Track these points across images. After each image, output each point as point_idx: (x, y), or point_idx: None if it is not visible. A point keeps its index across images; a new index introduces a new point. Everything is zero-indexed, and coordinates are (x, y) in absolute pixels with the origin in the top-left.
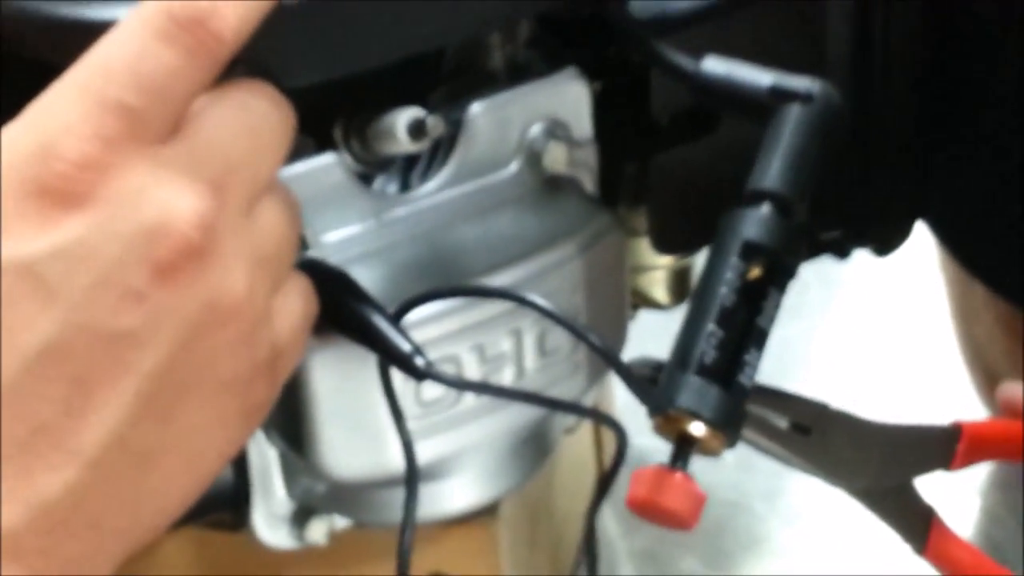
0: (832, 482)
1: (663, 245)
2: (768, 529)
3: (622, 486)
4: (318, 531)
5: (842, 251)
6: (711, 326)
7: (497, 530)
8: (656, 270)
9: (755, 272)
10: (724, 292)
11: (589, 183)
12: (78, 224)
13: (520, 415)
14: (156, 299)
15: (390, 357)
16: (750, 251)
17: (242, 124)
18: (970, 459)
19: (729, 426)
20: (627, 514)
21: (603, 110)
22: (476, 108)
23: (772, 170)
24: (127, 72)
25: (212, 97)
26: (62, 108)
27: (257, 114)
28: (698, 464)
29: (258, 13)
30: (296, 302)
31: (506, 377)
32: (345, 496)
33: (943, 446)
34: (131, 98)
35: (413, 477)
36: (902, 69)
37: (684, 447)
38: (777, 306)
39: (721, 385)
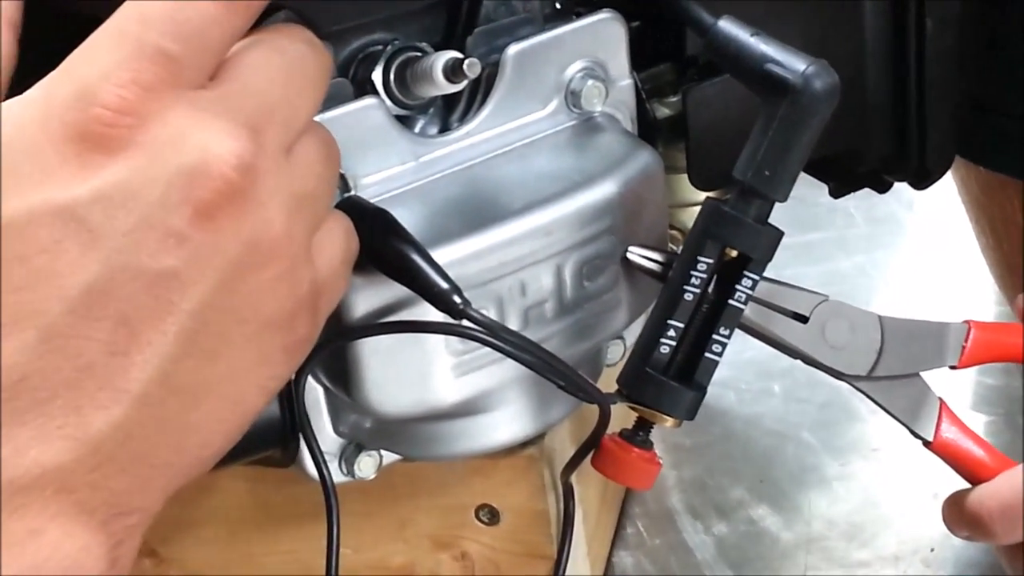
0: (830, 371)
1: (702, 181)
2: (817, 460)
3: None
4: (367, 466)
5: (880, 184)
6: (673, 321)
7: (543, 462)
8: (697, 206)
9: (730, 254)
10: (688, 287)
11: (627, 120)
12: (118, 168)
13: (564, 346)
14: (197, 240)
15: (428, 295)
16: (717, 248)
17: (279, 67)
18: (978, 358)
19: (683, 414)
20: (675, 445)
21: (640, 46)
22: (513, 50)
23: (756, 163)
24: (165, 19)
25: (250, 42)
26: (101, 55)
27: (294, 57)
28: (746, 395)
29: None
30: (336, 240)
31: (547, 312)
32: (392, 431)
33: (951, 342)
34: (169, 44)
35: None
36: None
37: (643, 424)
38: (755, 284)
39: (679, 377)
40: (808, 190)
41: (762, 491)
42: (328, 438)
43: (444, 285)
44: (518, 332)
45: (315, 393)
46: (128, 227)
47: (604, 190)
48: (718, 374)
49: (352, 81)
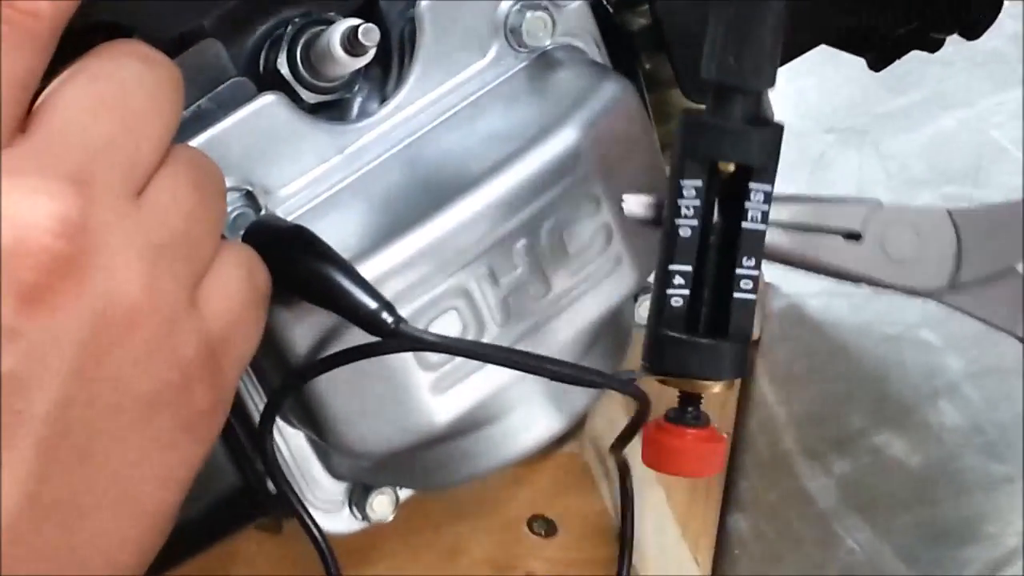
0: (903, 290)
1: (695, 89)
2: (942, 360)
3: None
4: (382, 506)
5: (929, 43)
6: (677, 266)
7: (588, 455)
8: None
9: (726, 171)
10: (682, 220)
11: (592, 46)
12: None
13: (568, 326)
14: (32, 332)
15: (355, 319)
16: (703, 166)
17: (103, 98)
18: None
19: (727, 374)
20: (783, 377)
21: None
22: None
23: (718, 54)
24: None
25: (64, 76)
26: None
27: (123, 81)
28: (857, 298)
29: None
30: (232, 280)
31: (532, 295)
32: (394, 466)
33: None
34: None
35: None
36: None
37: (690, 399)
38: (768, 196)
39: (711, 331)
40: None
41: (883, 412)
42: (326, 486)
43: (371, 305)
44: (471, 339)
45: (299, 441)
46: None
47: (564, 139)
48: (822, 282)
49: (263, 75)
